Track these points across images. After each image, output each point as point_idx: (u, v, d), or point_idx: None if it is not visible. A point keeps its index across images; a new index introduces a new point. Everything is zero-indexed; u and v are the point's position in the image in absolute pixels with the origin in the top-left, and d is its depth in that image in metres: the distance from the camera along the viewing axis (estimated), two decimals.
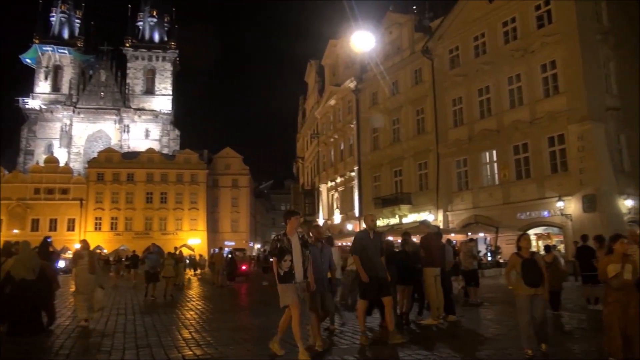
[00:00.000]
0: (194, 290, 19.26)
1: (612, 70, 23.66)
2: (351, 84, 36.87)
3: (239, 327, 9.36)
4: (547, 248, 11.46)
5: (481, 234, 24.41)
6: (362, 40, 9.33)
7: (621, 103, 23.10)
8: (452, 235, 22.46)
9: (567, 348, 6.63)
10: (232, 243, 60.24)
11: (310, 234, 7.39)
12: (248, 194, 72.08)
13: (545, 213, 22.63)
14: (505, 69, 25.07)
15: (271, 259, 7.14)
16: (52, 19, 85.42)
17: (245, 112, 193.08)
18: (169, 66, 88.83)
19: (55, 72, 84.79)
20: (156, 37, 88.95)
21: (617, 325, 5.69)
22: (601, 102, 22.28)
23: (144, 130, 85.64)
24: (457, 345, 7.06)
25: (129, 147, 79.34)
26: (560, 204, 21.44)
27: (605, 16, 24.07)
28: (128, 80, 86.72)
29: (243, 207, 71.00)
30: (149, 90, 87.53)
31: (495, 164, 25.67)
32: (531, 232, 21.64)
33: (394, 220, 30.61)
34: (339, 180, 39.87)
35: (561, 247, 21.80)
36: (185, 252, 21.14)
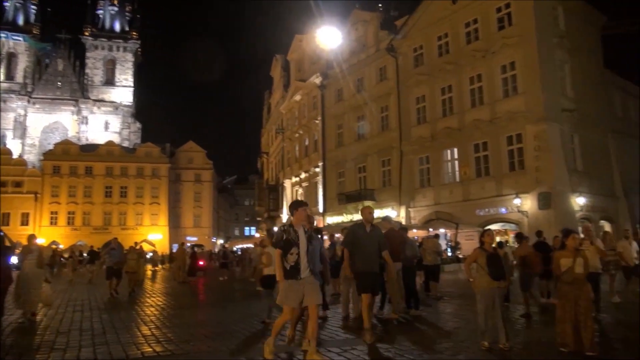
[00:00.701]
0: (155, 286, 18.91)
1: (567, 72, 24.58)
2: (317, 79, 36.88)
3: (200, 323, 9.26)
4: (500, 244, 11.85)
5: (442, 230, 24.91)
6: (328, 36, 9.38)
7: (575, 105, 24.04)
8: (415, 231, 22.89)
9: (521, 340, 6.86)
10: (195, 238, 59.41)
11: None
12: (211, 189, 71.22)
13: (503, 210, 23.34)
14: (467, 69, 25.64)
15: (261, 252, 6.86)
16: (6, 4, 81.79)
17: (209, 106, 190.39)
18: (130, 57, 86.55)
19: (9, 60, 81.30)
20: (117, 27, 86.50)
21: (569, 317, 5.95)
22: (557, 103, 23.11)
23: (104, 122, 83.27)
24: (416, 339, 7.19)
25: (87, 140, 76.97)
26: (517, 201, 22.15)
27: (562, 20, 24.97)
28: (87, 70, 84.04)
29: (206, 202, 70.12)
30: (109, 81, 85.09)
31: (457, 162, 26.25)
32: (487, 228, 22.25)
33: (357, 216, 30.80)
34: (303, 175, 39.88)
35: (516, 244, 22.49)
36: (146, 247, 20.64)
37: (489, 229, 7.55)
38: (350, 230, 7.27)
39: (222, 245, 48.57)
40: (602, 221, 25.00)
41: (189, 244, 32.77)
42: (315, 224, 12.57)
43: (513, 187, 22.78)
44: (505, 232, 23.98)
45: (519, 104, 23.12)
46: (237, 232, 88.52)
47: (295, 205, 6.00)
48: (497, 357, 5.90)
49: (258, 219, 62.11)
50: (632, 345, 6.45)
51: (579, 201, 22.52)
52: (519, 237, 11.17)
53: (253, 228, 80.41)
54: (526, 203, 22.22)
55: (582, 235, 8.77)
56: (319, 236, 7.60)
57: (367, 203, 30.33)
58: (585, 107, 24.61)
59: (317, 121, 37.36)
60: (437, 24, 27.47)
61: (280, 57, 47.47)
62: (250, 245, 28.72)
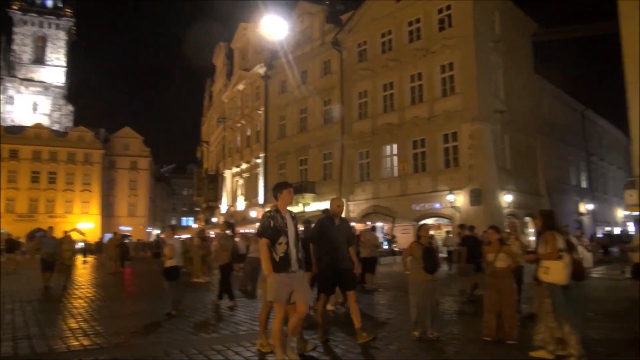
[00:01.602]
0: (84, 277, 18.10)
1: (501, 75, 25.79)
2: (261, 69, 36.51)
3: (131, 315, 8.98)
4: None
5: (379, 224, 25.53)
6: (273, 27, 9.24)
7: (507, 107, 25.29)
8: (353, 224, 23.22)
9: (449, 331, 7.17)
10: (129, 228, 57.25)
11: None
12: (148, 177, 68.86)
13: (437, 205, 24.23)
14: (408, 66, 26.29)
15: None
16: None
17: (148, 92, 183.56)
18: (62, 35, 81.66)
19: None
20: (49, 2, 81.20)
21: (493, 308, 6.31)
22: (490, 104, 24.22)
23: (32, 103, 78.24)
24: (350, 329, 7.33)
25: (12, 121, 72.01)
26: (450, 197, 23.07)
27: (498, 25, 26.13)
28: (14, 47, 78.46)
29: (142, 190, 67.74)
30: (39, 60, 79.95)
31: (395, 157, 26.93)
32: (423, 222, 23.02)
33: (297, 209, 30.94)
34: (244, 166, 39.47)
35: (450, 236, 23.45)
36: (76, 236, 19.65)
37: (425, 224, 7.81)
38: (318, 223, 6.70)
39: (157, 236, 47.22)
40: (526, 218, 26.53)
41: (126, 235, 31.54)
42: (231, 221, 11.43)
43: (447, 184, 23.69)
44: (439, 227, 24.91)
45: (455, 103, 24.02)
46: (174, 222, 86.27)
47: (279, 187, 5.32)
48: (426, 346, 6.15)
49: (196, 209, 60.95)
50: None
51: (507, 198, 23.79)
52: (462, 227, 11.67)
53: (191, 218, 78.67)
54: (459, 199, 23.18)
55: (508, 231, 9.25)
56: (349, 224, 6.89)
57: (308, 195, 30.60)
58: (516, 109, 25.96)
59: (259, 112, 37.02)
60: (382, 20, 27.93)
61: (223, 45, 46.54)
62: (187, 236, 28.05)
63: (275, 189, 5.32)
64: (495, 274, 6.36)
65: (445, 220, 24.53)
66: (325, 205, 27.85)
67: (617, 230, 35.68)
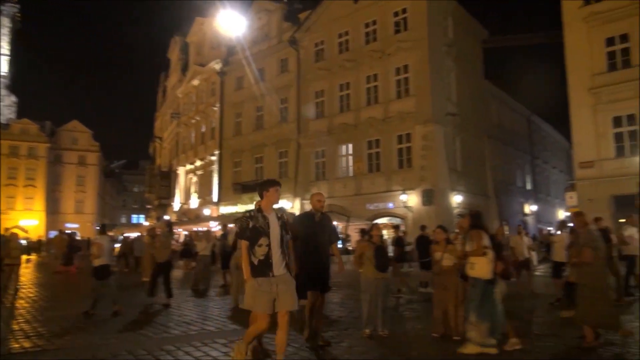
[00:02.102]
0: (27, 277, 17.29)
1: (453, 79, 26.54)
2: (216, 65, 35.99)
3: (75, 315, 8.65)
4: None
5: (334, 223, 25.65)
6: (230, 23, 9.14)
7: (458, 109, 26.06)
8: None
9: (400, 328, 7.35)
10: (76, 225, 55.20)
11: None
12: (97, 173, 66.49)
13: (391, 205, 24.68)
14: (364, 67, 26.62)
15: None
16: None
17: (99, 84, 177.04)
18: (7, 22, 77.25)
19: None
20: None
21: (440, 305, 6.53)
22: (443, 107, 24.88)
23: None
24: (301, 328, 7.39)
25: None
26: (403, 197, 23.55)
27: (451, 31, 26.87)
28: None
29: (90, 186, 65.34)
30: None
31: (351, 157, 27.21)
32: (377, 221, 23.40)
33: (252, 207, 30.59)
34: (198, 163, 38.79)
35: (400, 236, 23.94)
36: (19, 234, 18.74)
37: (376, 223, 7.96)
38: (298, 220, 6.39)
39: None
40: None
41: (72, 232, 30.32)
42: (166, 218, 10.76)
43: (400, 184, 24.17)
44: (391, 226, 25.34)
45: (410, 105, 24.53)
46: (124, 220, 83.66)
47: (266, 185, 4.89)
48: (377, 343, 6.28)
49: (148, 206, 59.32)
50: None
51: (457, 199, 24.53)
52: (396, 228, 11.98)
53: (142, 216, 76.52)
54: (412, 199, 23.70)
55: (457, 230, 9.58)
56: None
57: None
58: (466, 112, 26.81)
59: (215, 108, 36.49)
60: (339, 21, 28.13)
61: (179, 39, 45.52)
62: (138, 234, 27.30)
63: (262, 187, 4.91)
64: (442, 272, 6.59)
65: (398, 220, 25.01)
66: (280, 203, 27.84)
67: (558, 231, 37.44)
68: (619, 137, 20.13)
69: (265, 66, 32.58)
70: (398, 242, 12.55)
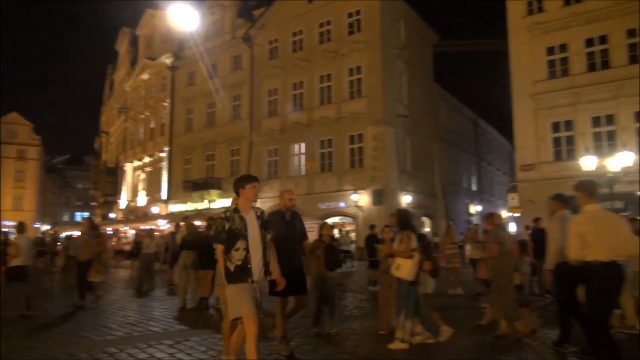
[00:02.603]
0: None
1: (404, 82, 27.13)
2: (167, 59, 35.12)
3: (10, 319, 8.21)
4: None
5: None
6: (182, 16, 8.94)
7: (409, 111, 26.66)
8: None
9: (348, 326, 7.44)
10: (14, 223, 52.20)
11: None
12: (37, 168, 63.27)
13: (342, 204, 24.94)
14: (318, 67, 26.74)
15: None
16: None
17: (41, 75, 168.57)
18: None
19: None
20: None
21: (386, 303, 6.65)
22: (394, 109, 25.38)
23: None
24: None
25: None
26: (354, 197, 23.85)
27: (403, 34, 27.46)
28: None
29: (30, 182, 62.11)
30: None
31: (303, 156, 27.27)
32: (328, 220, 23.58)
33: (202, 205, 30.26)
34: (147, 160, 37.72)
35: (353, 235, 24.31)
36: None
37: (326, 222, 8.02)
38: (269, 219, 5.73)
39: (43, 232, 43.58)
40: (423, 217, 28.20)
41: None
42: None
43: (352, 184, 24.47)
44: (343, 225, 25.64)
45: (362, 106, 24.86)
46: (66, 218, 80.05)
47: (242, 181, 4.45)
48: (325, 341, 6.34)
49: (93, 204, 57.09)
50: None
51: (406, 199, 25.10)
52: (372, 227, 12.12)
53: (86, 213, 73.42)
54: (362, 199, 24.03)
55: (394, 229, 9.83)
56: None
57: (214, 192, 30.01)
58: (417, 114, 27.47)
59: (165, 103, 35.60)
60: (293, 19, 28.12)
61: (127, 31, 44.08)
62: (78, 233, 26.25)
63: (237, 184, 4.47)
64: (388, 270, 6.70)
65: (349, 219, 25.31)
66: (230, 202, 27.73)
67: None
68: (557, 142, 21.23)
69: (218, 62, 32.09)
70: (371, 239, 12.68)
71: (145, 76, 38.41)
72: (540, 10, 21.87)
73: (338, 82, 26.02)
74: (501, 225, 7.09)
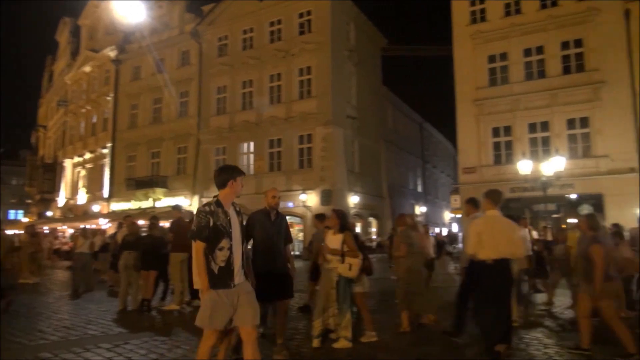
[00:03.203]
0: None
1: (353, 83, 27.51)
2: (111, 52, 33.87)
3: None
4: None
5: None
6: (127, 8, 8.68)
7: (357, 113, 27.07)
8: None
9: (293, 326, 7.44)
10: None
11: None
12: None
13: (290, 204, 24.96)
14: (268, 66, 26.64)
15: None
16: None
17: None
18: None
19: None
20: None
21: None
22: (343, 110, 25.69)
23: None
24: (196, 329, 7.20)
25: None
26: (303, 197, 23.95)
27: (353, 36, 27.84)
28: None
29: None
30: None
31: (252, 155, 27.09)
32: None
33: (147, 204, 29.44)
34: (88, 156, 36.21)
35: (300, 235, 24.41)
36: None
37: None
38: (252, 219, 5.54)
39: None
40: (370, 218, 28.72)
41: None
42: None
43: (301, 184, 24.55)
44: (291, 225, 25.67)
45: (311, 106, 25.00)
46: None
47: (229, 173, 4.02)
48: (267, 341, 6.34)
49: (28, 201, 54.12)
50: (383, 329, 7.58)
51: (354, 199, 25.48)
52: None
53: (21, 212, 69.59)
54: (311, 199, 24.17)
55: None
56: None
57: (159, 190, 29.26)
58: (365, 116, 27.94)
59: (108, 98, 34.31)
60: (244, 17, 27.86)
61: (69, 21, 42.11)
62: (15, 232, 24.90)
63: (226, 174, 4.00)
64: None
65: (297, 219, 25.37)
66: (177, 200, 27.01)
67: (444, 231, 40.41)
68: (497, 146, 22.20)
69: (165, 57, 31.31)
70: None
71: (87, 69, 36.87)
72: (483, 19, 22.81)
73: (288, 81, 26.02)
74: (412, 226, 7.56)
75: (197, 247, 3.81)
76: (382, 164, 30.70)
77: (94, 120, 36.28)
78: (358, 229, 26.50)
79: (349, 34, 27.61)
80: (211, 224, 3.80)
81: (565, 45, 20.97)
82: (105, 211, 31.16)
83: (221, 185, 3.97)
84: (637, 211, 16.96)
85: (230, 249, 3.82)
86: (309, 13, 25.97)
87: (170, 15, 31.81)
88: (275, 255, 5.34)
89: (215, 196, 3.98)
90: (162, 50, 31.26)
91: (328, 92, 24.70)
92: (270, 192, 5.64)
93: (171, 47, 31.09)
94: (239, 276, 3.87)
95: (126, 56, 33.41)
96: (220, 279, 3.78)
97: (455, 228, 34.11)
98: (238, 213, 4.02)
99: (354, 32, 27.98)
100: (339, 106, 25.24)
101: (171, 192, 29.17)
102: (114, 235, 13.11)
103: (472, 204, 6.51)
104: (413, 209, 35.86)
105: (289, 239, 5.72)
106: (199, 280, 3.82)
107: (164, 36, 31.43)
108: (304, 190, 24.05)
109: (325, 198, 23.78)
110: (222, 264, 3.79)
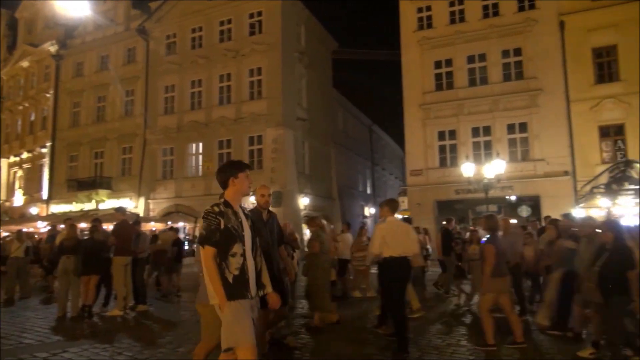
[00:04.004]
0: None
1: (304, 86, 27.60)
2: (52, 47, 32.33)
3: None
4: None
5: (181, 224, 24.92)
6: (70, 2, 8.39)
7: (307, 115, 27.18)
8: (152, 223, 22.29)
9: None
10: None
11: None
12: None
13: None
14: (218, 66, 26.28)
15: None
16: None
17: None
18: None
19: None
20: None
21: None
22: (293, 112, 25.73)
23: None
24: (139, 334, 7.10)
25: None
26: (252, 199, 23.67)
27: (303, 38, 27.94)
28: None
29: None
30: None
31: (201, 156, 26.63)
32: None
33: (90, 206, 28.32)
34: (25, 155, 34.36)
35: None
36: None
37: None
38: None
39: None
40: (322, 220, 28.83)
41: None
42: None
43: (251, 185, 24.32)
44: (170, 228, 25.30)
45: (262, 107, 24.88)
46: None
47: (232, 169, 3.66)
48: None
49: None
50: (315, 332, 7.67)
51: (304, 201, 25.56)
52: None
53: None
54: None
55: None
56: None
57: (103, 192, 28.25)
58: (315, 118, 28.09)
59: (48, 95, 32.73)
60: (193, 15, 27.34)
61: (5, 13, 39.71)
62: None
63: (226, 171, 3.64)
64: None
65: None
66: (121, 202, 26.20)
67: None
68: (442, 149, 22.92)
69: (110, 53, 30.25)
70: (176, 242, 12.56)
71: (25, 64, 35.01)
72: (429, 26, 23.50)
73: (238, 82, 25.78)
74: (323, 227, 8.50)
75: (207, 253, 3.35)
76: (332, 165, 30.95)
77: (32, 118, 34.49)
78: (307, 232, 26.63)
79: (299, 36, 27.69)
80: (222, 226, 3.40)
81: (505, 53, 21.95)
82: (44, 213, 29.69)
83: (223, 186, 3.64)
84: (572, 211, 18.01)
85: (243, 255, 3.41)
86: (259, 14, 25.84)
87: (115, 11, 30.73)
88: (270, 259, 4.89)
89: (220, 195, 3.60)
90: (106, 46, 30.18)
91: (278, 93, 24.66)
92: (259, 190, 5.29)
93: (116, 43, 30.05)
94: (253, 288, 3.46)
95: (68, 52, 32.01)
96: (237, 289, 3.33)
97: None
98: (246, 216, 3.63)
99: (304, 34, 28.08)
100: (289, 108, 25.26)
101: (115, 193, 28.19)
102: (51, 239, 12.57)
103: (390, 206, 6.94)
104: (363, 211, 36.41)
105: (282, 239, 5.52)
106: (215, 293, 3.33)
107: (109, 32, 30.34)
108: (254, 192, 23.86)
109: (276, 200, 23.68)
110: (237, 272, 3.35)
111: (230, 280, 3.32)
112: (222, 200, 3.55)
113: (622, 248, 5.17)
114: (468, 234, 10.77)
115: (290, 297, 7.60)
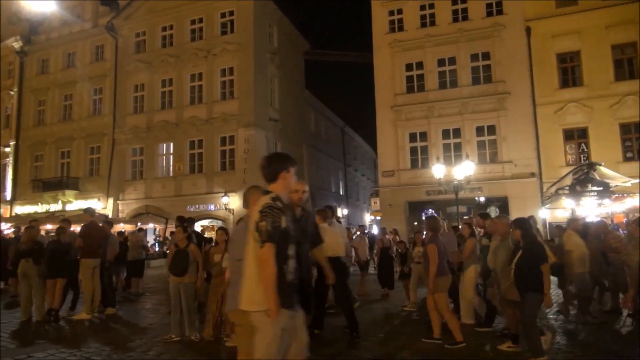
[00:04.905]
0: None
1: (276, 86, 27.54)
2: (15, 43, 31.32)
3: None
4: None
5: (151, 225, 24.53)
6: None
7: (279, 116, 27.13)
8: (122, 225, 21.85)
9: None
10: None
11: None
12: None
13: (212, 207, 24.50)
14: (189, 65, 25.97)
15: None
16: None
17: None
18: None
19: None
20: None
21: (215, 307, 6.56)
22: (265, 112, 25.65)
23: None
24: (108, 338, 6.97)
25: None
26: (225, 199, 23.58)
27: (275, 39, 27.88)
28: None
29: None
30: None
31: (171, 156, 26.25)
32: (198, 224, 23.02)
33: (56, 207, 27.57)
34: None
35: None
36: None
37: (181, 226, 7.69)
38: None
39: None
40: None
41: None
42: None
43: (222, 186, 24.17)
44: (213, 228, 25.19)
45: (233, 107, 24.71)
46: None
47: (285, 162, 3.27)
48: (185, 347, 6.24)
49: None
50: None
51: None
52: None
53: None
54: (233, 201, 23.85)
55: None
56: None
57: (70, 192, 27.56)
58: (287, 119, 28.06)
59: (12, 92, 31.68)
60: (163, 13, 26.94)
61: None
62: None
63: (272, 164, 3.23)
64: (222, 273, 6.45)
65: (219, 222, 24.94)
66: (89, 203, 25.59)
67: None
68: (414, 151, 23.22)
69: (77, 51, 29.53)
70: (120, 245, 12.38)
71: None
72: (400, 29, 23.78)
73: (209, 82, 25.53)
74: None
75: (268, 252, 2.91)
76: (304, 167, 30.93)
77: None
78: None
79: (271, 36, 27.61)
80: (283, 224, 2.97)
81: (474, 57, 22.40)
82: (7, 215, 28.74)
83: (271, 178, 3.19)
84: (538, 212, 18.54)
85: (296, 258, 3.07)
86: (231, 13, 25.67)
87: (82, 7, 29.99)
88: (303, 261, 4.08)
89: (266, 191, 3.18)
90: (73, 43, 29.45)
91: (250, 93, 24.55)
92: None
93: (83, 40, 29.34)
94: (296, 296, 3.10)
95: (32, 48, 31.08)
96: (289, 296, 2.98)
97: (375, 229, 35.18)
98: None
99: (276, 34, 28.02)
100: (261, 108, 25.16)
101: (83, 194, 27.51)
102: (17, 240, 12.18)
103: (322, 215, 7.22)
104: (335, 211, 36.47)
105: (318, 239, 5.02)
106: (269, 298, 2.88)
107: (76, 28, 29.61)
108: (226, 192, 23.67)
109: (246, 201, 23.57)
110: (291, 277, 3.01)
111: (284, 285, 2.94)
112: (275, 194, 3.08)
113: (532, 244, 5.38)
114: (413, 234, 10.96)
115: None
